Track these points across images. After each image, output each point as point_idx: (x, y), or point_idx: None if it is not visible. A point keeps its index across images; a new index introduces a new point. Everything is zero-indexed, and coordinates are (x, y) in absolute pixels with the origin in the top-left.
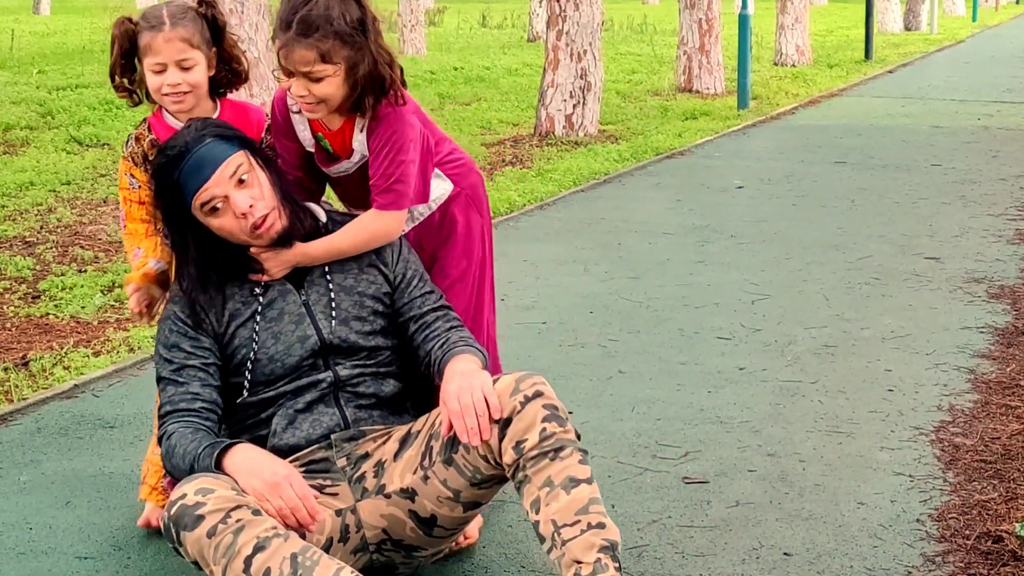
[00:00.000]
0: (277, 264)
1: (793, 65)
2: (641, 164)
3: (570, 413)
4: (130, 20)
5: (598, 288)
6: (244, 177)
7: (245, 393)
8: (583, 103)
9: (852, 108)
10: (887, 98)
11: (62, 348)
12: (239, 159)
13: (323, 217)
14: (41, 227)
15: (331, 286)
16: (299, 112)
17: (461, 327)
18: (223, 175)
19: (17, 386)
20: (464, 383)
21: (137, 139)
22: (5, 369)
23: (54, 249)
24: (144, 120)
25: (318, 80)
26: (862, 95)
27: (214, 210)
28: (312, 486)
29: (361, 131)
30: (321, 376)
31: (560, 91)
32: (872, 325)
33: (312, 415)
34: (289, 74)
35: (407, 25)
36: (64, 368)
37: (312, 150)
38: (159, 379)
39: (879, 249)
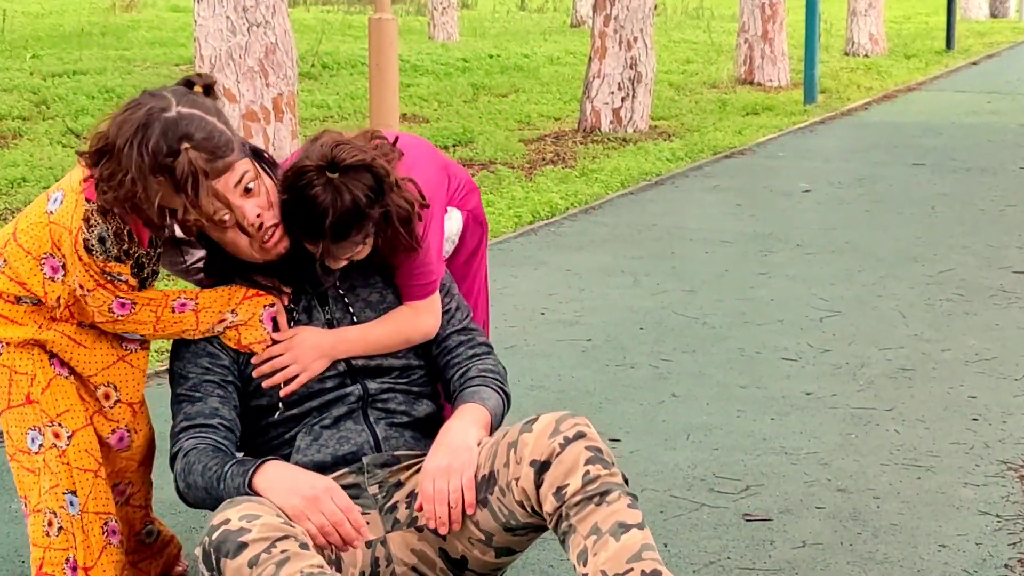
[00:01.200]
0: (311, 354)
1: (866, 55)
2: (697, 164)
3: (617, 441)
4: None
5: (649, 302)
6: (251, 186)
7: (276, 414)
8: (632, 96)
9: (932, 104)
10: (971, 93)
11: None
12: (245, 165)
13: None
14: None
15: (357, 302)
16: None
17: (485, 355)
18: (228, 183)
19: None
20: (447, 463)
21: (90, 227)
22: None
23: None
24: (91, 201)
25: (354, 257)
26: (943, 89)
27: (221, 223)
28: None
29: None
30: (349, 390)
31: (607, 82)
32: (954, 346)
33: (339, 431)
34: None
35: (437, 7)
36: None
37: None
38: (174, 399)
39: (962, 261)
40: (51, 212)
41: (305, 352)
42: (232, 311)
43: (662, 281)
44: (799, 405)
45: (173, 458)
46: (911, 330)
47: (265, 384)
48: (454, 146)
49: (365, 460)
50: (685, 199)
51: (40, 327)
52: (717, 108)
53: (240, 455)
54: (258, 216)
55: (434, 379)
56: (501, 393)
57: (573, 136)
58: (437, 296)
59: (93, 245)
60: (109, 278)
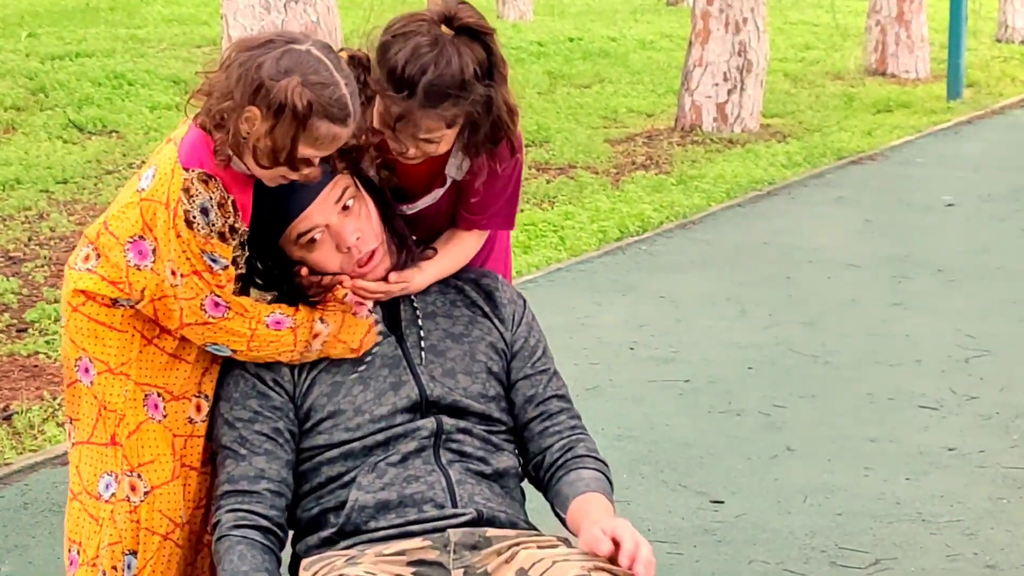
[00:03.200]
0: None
1: (1023, 43)
2: (817, 171)
3: (720, 503)
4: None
5: (759, 337)
6: (350, 203)
7: (324, 450)
8: (741, 88)
9: None
10: None
11: (54, 398)
12: (346, 181)
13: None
14: (30, 238)
15: (436, 330)
16: None
17: (582, 428)
18: (327, 200)
19: None
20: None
21: (191, 198)
22: None
23: (46, 267)
24: (191, 169)
25: (432, 142)
26: None
27: (311, 242)
28: None
29: (456, 157)
30: (420, 423)
31: (711, 72)
32: None
33: (407, 470)
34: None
35: None
36: (58, 424)
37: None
38: (218, 447)
39: None
40: (142, 189)
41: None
42: (320, 319)
43: (775, 312)
44: (940, 463)
45: (213, 527)
46: None
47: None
48: (526, 147)
49: (451, 536)
50: (803, 213)
51: (141, 340)
52: (842, 104)
53: (288, 535)
54: (357, 239)
55: (519, 445)
56: (610, 485)
57: (669, 136)
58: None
59: (195, 217)
60: (209, 260)
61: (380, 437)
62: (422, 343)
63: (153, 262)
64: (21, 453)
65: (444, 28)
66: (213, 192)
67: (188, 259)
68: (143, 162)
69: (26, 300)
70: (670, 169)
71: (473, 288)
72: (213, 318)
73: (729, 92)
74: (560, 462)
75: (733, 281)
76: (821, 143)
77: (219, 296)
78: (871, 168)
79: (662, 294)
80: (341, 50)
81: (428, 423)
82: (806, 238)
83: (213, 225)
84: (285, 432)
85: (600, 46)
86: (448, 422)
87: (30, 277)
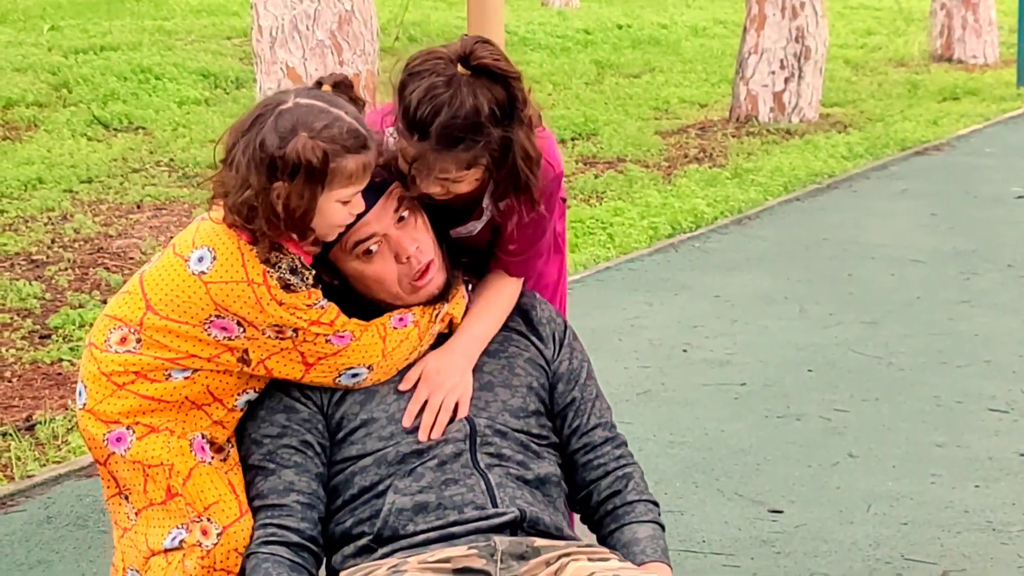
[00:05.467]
0: (451, 375)
1: None
2: (880, 163)
3: (779, 512)
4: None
5: (819, 337)
6: (405, 215)
7: (357, 459)
8: (799, 76)
9: None
10: None
11: None
12: (400, 191)
13: None
14: (53, 241)
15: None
16: None
17: (628, 456)
18: (386, 208)
19: (20, 458)
20: None
21: (275, 266)
22: (4, 435)
23: (69, 271)
24: (256, 249)
25: (454, 181)
26: None
27: (367, 253)
28: None
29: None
30: (454, 427)
31: (767, 59)
32: None
33: (445, 474)
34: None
35: None
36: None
37: None
38: (246, 468)
39: None
40: (202, 272)
41: (445, 377)
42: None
43: (836, 311)
44: (1011, 469)
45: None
46: None
47: (424, 436)
48: (573, 140)
49: (498, 544)
50: (865, 207)
51: (189, 405)
52: (906, 92)
53: (322, 550)
54: (416, 248)
55: (563, 468)
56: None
57: (723, 127)
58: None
59: (291, 281)
60: (320, 309)
61: (416, 444)
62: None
63: (244, 332)
64: (44, 465)
65: (460, 68)
66: (285, 254)
67: (298, 316)
68: (171, 160)
69: (49, 305)
70: (724, 162)
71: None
72: (342, 348)
73: (786, 80)
74: (610, 509)
75: (791, 279)
76: (884, 133)
77: (341, 331)
78: (937, 159)
79: (716, 293)
80: (319, 84)
81: (462, 425)
82: (868, 233)
83: (306, 280)
84: (315, 444)
85: (650, 33)
86: (483, 424)
87: (53, 281)
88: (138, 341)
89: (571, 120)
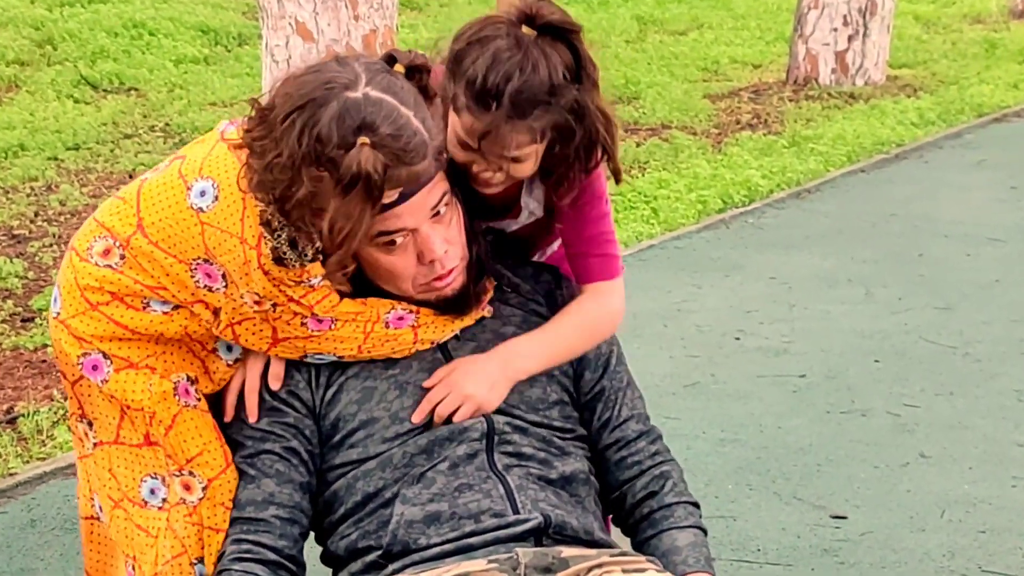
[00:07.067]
0: (473, 383)
1: None
2: (955, 130)
3: (842, 518)
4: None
5: (887, 324)
6: (443, 210)
7: (359, 464)
8: (864, 34)
9: None
10: None
11: (66, 399)
12: (444, 185)
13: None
14: (36, 213)
15: (483, 332)
16: None
17: (664, 452)
18: (424, 203)
19: (0, 455)
20: None
21: (275, 232)
22: None
23: (54, 247)
24: (262, 208)
25: (520, 160)
26: None
27: (391, 244)
28: None
29: (532, 183)
30: (468, 423)
31: (828, 15)
32: None
33: (458, 478)
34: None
35: None
36: (68, 429)
37: None
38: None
39: None
40: (200, 209)
41: (470, 384)
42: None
43: (905, 295)
44: None
45: (219, 558)
46: None
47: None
48: (613, 104)
49: (520, 556)
50: (938, 179)
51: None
52: (983, 52)
53: (304, 569)
54: (446, 252)
55: (594, 465)
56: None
57: (779, 90)
58: (622, 278)
59: (285, 253)
60: (308, 287)
61: (423, 442)
62: (467, 346)
63: (225, 287)
64: (28, 462)
65: (525, 29)
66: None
67: (282, 291)
68: (166, 124)
69: (32, 285)
70: (781, 129)
71: (531, 284)
72: (317, 332)
73: (850, 39)
74: (646, 512)
75: (855, 259)
76: (958, 98)
77: (322, 316)
78: (1017, 126)
79: (772, 275)
80: (393, 59)
81: (478, 423)
82: (941, 209)
83: (305, 256)
84: (302, 452)
85: None
86: (500, 420)
87: (36, 258)
88: (121, 257)
89: (610, 82)
